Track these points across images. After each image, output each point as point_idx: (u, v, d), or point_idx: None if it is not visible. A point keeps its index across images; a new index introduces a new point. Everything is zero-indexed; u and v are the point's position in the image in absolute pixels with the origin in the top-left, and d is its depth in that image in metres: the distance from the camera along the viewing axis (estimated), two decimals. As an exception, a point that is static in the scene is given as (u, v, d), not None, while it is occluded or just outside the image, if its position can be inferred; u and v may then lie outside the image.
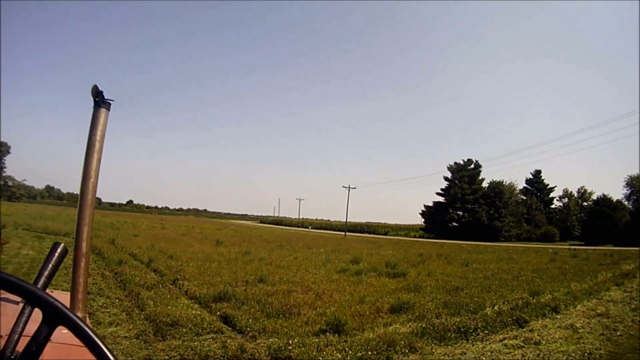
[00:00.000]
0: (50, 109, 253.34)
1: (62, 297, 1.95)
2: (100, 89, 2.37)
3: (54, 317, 1.04)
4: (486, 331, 10.12)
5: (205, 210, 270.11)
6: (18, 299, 1.12)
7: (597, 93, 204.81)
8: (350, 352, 8.05)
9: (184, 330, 9.00)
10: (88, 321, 2.60)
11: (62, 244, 1.45)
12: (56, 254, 1.40)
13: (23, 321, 1.17)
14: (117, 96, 2.40)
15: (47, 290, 1.22)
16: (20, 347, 1.07)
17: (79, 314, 2.30)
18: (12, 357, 1.07)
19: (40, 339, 1.05)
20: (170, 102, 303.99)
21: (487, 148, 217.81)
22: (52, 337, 1.13)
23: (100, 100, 2.37)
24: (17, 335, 1.12)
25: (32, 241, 23.18)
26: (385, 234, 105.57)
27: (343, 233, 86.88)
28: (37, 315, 1.08)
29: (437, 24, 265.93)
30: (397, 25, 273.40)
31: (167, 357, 7.55)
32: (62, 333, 1.18)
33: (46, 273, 1.33)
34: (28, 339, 1.06)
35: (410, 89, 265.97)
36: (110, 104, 2.41)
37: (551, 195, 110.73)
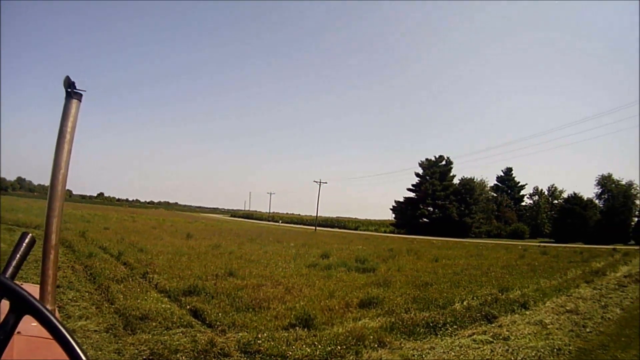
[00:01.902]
0: (23, 100, 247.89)
1: (32, 290, 1.95)
2: (73, 79, 2.35)
3: (21, 306, 1.05)
4: (455, 326, 10.26)
5: (176, 203, 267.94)
6: None
7: (570, 92, 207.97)
8: (319, 346, 8.10)
9: (154, 324, 8.94)
10: (58, 314, 2.59)
11: (30, 234, 1.43)
12: (24, 244, 1.39)
13: None
14: (89, 88, 2.39)
15: (17, 283, 1.22)
16: None
17: (49, 307, 2.28)
18: None
19: (7, 329, 1.05)
20: (143, 95, 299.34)
21: (459, 145, 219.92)
22: (21, 330, 1.14)
23: (72, 91, 2.35)
24: None
25: (3, 233, 22.68)
26: (356, 229, 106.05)
27: (313, 227, 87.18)
28: (6, 307, 1.08)
29: (406, 17, 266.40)
30: (366, 19, 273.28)
31: (136, 351, 7.50)
32: (31, 326, 1.19)
33: (14, 263, 1.32)
34: None
35: (382, 84, 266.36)
36: (82, 95, 2.39)
37: (522, 192, 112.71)
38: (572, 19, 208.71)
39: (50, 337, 1.02)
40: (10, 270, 1.31)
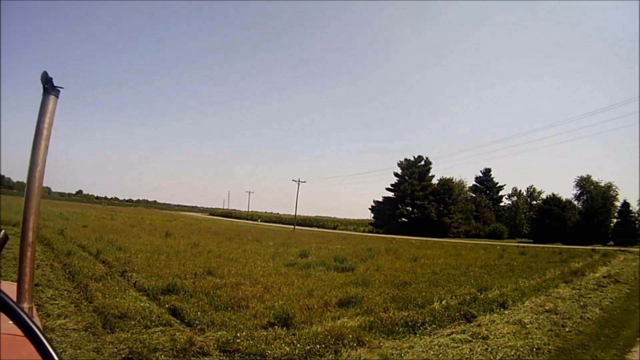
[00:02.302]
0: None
1: (9, 288, 1.93)
2: (50, 75, 2.34)
3: None
4: (434, 325, 10.36)
5: (155, 201, 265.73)
6: None
7: (552, 93, 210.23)
8: (298, 345, 8.13)
9: (133, 322, 8.90)
10: (35, 312, 2.58)
11: (3, 231, 1.43)
12: None
13: None
14: (68, 84, 2.38)
15: None
16: None
17: (26, 305, 2.28)
18: None
19: None
20: (123, 93, 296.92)
21: (439, 145, 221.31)
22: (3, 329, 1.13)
23: (49, 87, 2.34)
24: None
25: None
26: (334, 229, 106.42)
27: (292, 226, 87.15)
28: None
29: (385, 12, 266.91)
30: (343, 14, 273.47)
31: (115, 349, 7.46)
32: (8, 324, 1.19)
33: None
34: None
35: (360, 83, 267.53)
36: (59, 91, 2.39)
37: (500, 193, 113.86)
38: (550, 20, 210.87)
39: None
40: None
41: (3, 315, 1.08)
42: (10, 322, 1.05)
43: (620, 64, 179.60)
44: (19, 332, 1.05)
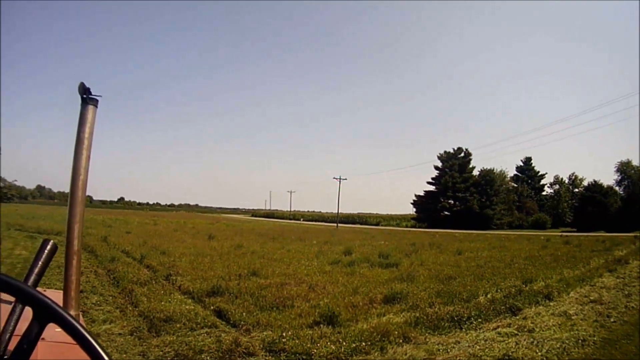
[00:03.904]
0: (39, 107, 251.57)
1: (55, 296, 1.95)
2: (88, 85, 2.36)
3: (44, 314, 1.04)
4: (479, 319, 10.19)
5: (197, 205, 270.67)
6: (10, 298, 1.11)
7: (590, 76, 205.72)
8: (344, 343, 8.06)
9: (178, 325, 8.98)
10: (82, 319, 2.60)
11: (52, 241, 1.43)
12: (45, 251, 1.39)
13: (14, 320, 1.15)
14: (104, 93, 2.39)
15: (40, 289, 1.21)
16: (12, 346, 1.07)
17: (72, 312, 2.30)
18: (4, 356, 1.07)
19: (31, 337, 1.05)
20: (159, 98, 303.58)
21: (478, 136, 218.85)
22: (46, 336, 1.13)
23: (87, 97, 2.35)
24: (8, 335, 1.11)
25: (25, 241, 23.04)
26: (377, 225, 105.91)
27: (335, 224, 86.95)
28: (30, 314, 1.08)
29: (423, 11, 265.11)
30: (383, 14, 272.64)
31: (161, 352, 7.54)
32: (55, 331, 1.18)
33: (36, 270, 1.32)
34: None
35: (399, 77, 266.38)
36: (97, 100, 2.40)
37: (542, 182, 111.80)
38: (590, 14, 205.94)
39: (74, 342, 1.01)
40: (33, 277, 1.31)
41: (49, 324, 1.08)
42: (58, 329, 1.05)
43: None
44: (67, 339, 1.04)
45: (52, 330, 1.13)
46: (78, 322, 1.04)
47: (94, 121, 2.41)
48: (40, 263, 1.34)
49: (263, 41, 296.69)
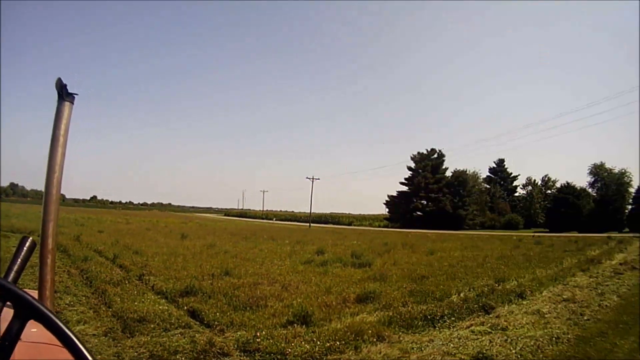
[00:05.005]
0: (13, 104, 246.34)
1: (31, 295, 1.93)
2: (65, 82, 2.33)
3: (25, 310, 1.04)
4: (453, 318, 10.30)
5: (170, 204, 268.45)
6: None
7: (566, 80, 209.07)
8: (318, 342, 8.10)
9: (152, 325, 8.90)
10: None
11: (31, 238, 1.41)
12: (25, 248, 1.37)
13: None
14: (81, 89, 2.36)
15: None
16: None
17: None
18: None
19: (13, 334, 1.04)
20: (133, 97, 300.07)
21: (451, 138, 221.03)
22: (24, 337, 1.12)
23: (64, 94, 2.32)
24: None
25: (-1, 240, 22.59)
26: (350, 225, 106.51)
27: (307, 224, 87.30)
28: (8, 315, 1.07)
29: (402, 11, 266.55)
30: (360, 14, 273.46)
31: (136, 353, 7.47)
32: (32, 332, 1.17)
33: (15, 267, 1.30)
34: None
35: (374, 80, 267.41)
36: (74, 97, 2.36)
37: (515, 183, 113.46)
38: (564, 14, 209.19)
39: (51, 342, 1.01)
40: (12, 275, 1.30)
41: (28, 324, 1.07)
42: (34, 329, 1.04)
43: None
44: (44, 339, 1.04)
45: (29, 331, 1.13)
46: (59, 318, 1.04)
47: (70, 118, 2.38)
48: (19, 260, 1.33)
49: (239, 42, 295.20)
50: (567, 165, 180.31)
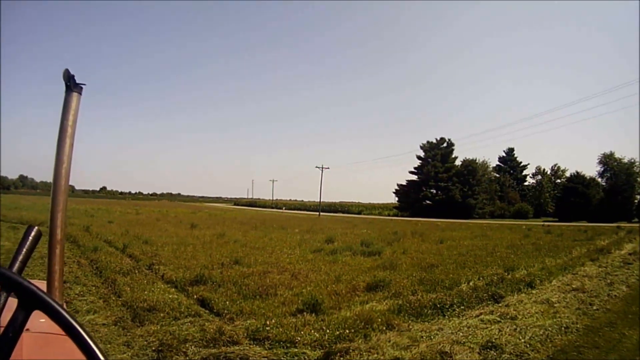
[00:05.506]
0: (22, 97, 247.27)
1: (39, 286, 1.93)
2: (72, 73, 2.32)
3: (30, 301, 1.02)
4: (462, 307, 10.23)
5: (179, 194, 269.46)
6: None
7: (575, 69, 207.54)
8: (327, 330, 8.10)
9: (162, 314, 8.94)
10: (66, 309, 2.58)
11: (36, 227, 1.39)
12: (30, 238, 1.35)
13: None
14: (89, 81, 2.36)
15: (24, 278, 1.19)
16: None
17: None
18: None
19: (17, 325, 1.03)
20: (142, 88, 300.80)
21: (461, 127, 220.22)
22: (30, 327, 1.11)
23: (71, 85, 2.31)
24: None
25: (7, 232, 22.68)
26: (359, 213, 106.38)
27: (317, 213, 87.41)
28: (13, 306, 1.06)
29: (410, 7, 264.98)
30: (369, 8, 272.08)
31: (145, 342, 7.49)
32: (39, 322, 1.17)
33: (20, 257, 1.28)
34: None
35: (384, 70, 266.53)
36: (82, 88, 2.35)
37: (524, 172, 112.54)
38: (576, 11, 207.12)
39: (59, 332, 1.00)
40: (17, 265, 1.27)
41: (32, 315, 1.06)
42: (42, 320, 1.03)
43: None
44: (51, 329, 1.04)
45: (36, 321, 1.12)
46: (64, 309, 1.03)
47: (78, 109, 2.37)
48: (24, 250, 1.31)
49: (248, 33, 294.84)
50: (577, 154, 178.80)
